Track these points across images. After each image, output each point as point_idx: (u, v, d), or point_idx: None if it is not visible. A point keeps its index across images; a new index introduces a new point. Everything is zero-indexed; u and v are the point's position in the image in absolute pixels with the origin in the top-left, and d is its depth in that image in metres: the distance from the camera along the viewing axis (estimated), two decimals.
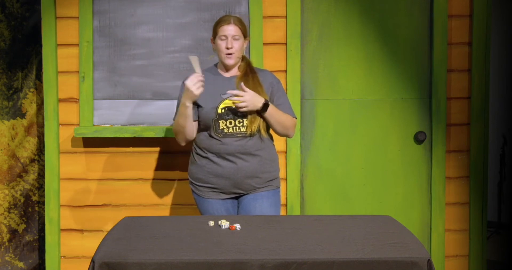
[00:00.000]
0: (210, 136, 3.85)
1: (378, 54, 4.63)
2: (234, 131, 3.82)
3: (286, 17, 4.55)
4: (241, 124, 3.82)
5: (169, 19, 4.55)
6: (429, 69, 4.64)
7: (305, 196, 4.68)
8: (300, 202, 4.63)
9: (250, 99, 3.75)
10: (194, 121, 3.87)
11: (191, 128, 3.84)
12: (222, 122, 3.81)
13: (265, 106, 3.78)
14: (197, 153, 3.92)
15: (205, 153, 3.88)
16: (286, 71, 4.55)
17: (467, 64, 4.62)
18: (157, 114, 4.58)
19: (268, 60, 4.54)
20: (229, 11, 4.52)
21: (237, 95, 3.74)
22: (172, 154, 4.60)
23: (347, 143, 4.66)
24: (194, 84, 3.73)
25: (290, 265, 2.82)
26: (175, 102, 4.55)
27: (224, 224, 3.28)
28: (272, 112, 3.81)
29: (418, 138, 4.65)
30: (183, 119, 3.81)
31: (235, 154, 3.83)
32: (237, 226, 3.25)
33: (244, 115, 3.80)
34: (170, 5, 4.55)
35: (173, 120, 3.96)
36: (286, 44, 4.55)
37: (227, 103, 3.81)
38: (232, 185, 3.86)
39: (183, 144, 3.94)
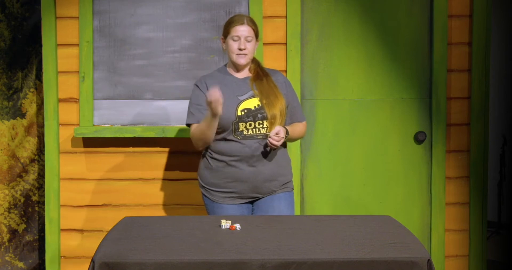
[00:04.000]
0: (228, 139, 3.75)
1: (378, 54, 4.63)
2: (254, 133, 3.75)
3: (286, 17, 4.54)
4: (261, 125, 3.75)
5: (169, 19, 4.55)
6: (429, 69, 4.64)
7: (305, 196, 4.68)
8: (300, 202, 4.63)
9: (283, 135, 3.67)
10: None
11: (214, 133, 3.71)
12: (242, 124, 3.73)
13: (287, 133, 3.74)
14: (212, 157, 3.81)
15: (222, 156, 3.78)
16: (286, 71, 4.54)
17: (467, 64, 4.62)
18: (157, 114, 4.57)
19: (268, 60, 4.54)
20: (229, 11, 4.52)
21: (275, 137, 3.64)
22: (172, 154, 4.60)
23: (347, 143, 4.66)
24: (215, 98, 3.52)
25: (290, 265, 2.82)
26: (175, 102, 4.56)
27: (225, 224, 3.28)
28: (290, 136, 3.78)
29: (418, 138, 4.65)
30: (208, 128, 3.65)
31: (255, 156, 3.75)
32: (237, 226, 3.25)
33: (264, 116, 3.74)
34: (170, 5, 4.55)
35: (187, 124, 3.85)
36: (286, 44, 4.55)
37: (246, 105, 3.75)
38: (251, 189, 3.79)
39: (201, 148, 3.83)
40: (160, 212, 4.62)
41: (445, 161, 4.64)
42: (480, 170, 4.66)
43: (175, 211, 4.62)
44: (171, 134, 4.50)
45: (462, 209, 4.67)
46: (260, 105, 3.76)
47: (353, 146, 4.66)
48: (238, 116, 3.73)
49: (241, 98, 3.76)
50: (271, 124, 3.73)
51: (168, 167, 4.61)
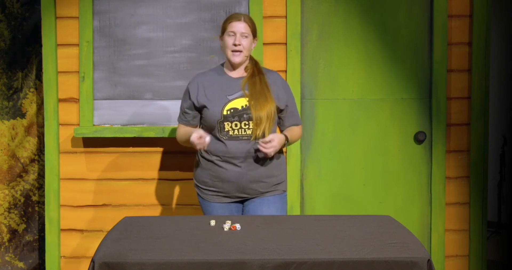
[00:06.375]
0: (216, 138, 3.76)
1: (378, 54, 4.63)
2: (240, 133, 3.73)
3: (286, 17, 4.55)
4: (247, 126, 3.73)
5: (169, 19, 4.56)
6: (429, 69, 4.64)
7: (305, 196, 4.68)
8: (300, 202, 4.63)
9: (277, 143, 3.69)
10: (195, 126, 3.85)
11: None
12: (227, 124, 3.72)
13: (286, 140, 3.78)
14: (202, 156, 3.84)
15: (210, 156, 3.79)
16: (286, 71, 4.55)
17: (467, 64, 4.62)
18: (157, 114, 4.58)
19: (268, 60, 4.54)
20: (229, 11, 4.52)
21: (265, 144, 3.66)
22: (172, 154, 4.60)
23: (347, 143, 4.66)
24: (199, 140, 3.65)
25: (290, 265, 2.82)
26: (175, 102, 4.56)
27: (227, 224, 3.28)
28: (289, 141, 3.82)
29: (418, 138, 4.65)
30: (187, 143, 3.78)
31: (240, 157, 3.75)
32: (237, 226, 3.25)
33: (250, 117, 3.72)
34: (170, 5, 4.55)
35: (178, 121, 3.91)
36: (286, 44, 4.55)
37: (233, 104, 3.74)
38: (237, 189, 3.79)
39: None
40: (160, 212, 4.62)
41: (445, 161, 4.64)
42: (480, 170, 4.66)
43: (175, 211, 4.62)
44: (171, 134, 4.50)
45: (462, 209, 4.67)
46: (247, 105, 3.74)
47: (353, 146, 4.66)
48: (224, 115, 3.72)
49: (230, 97, 3.75)
50: (257, 126, 3.71)
51: (168, 167, 4.61)
